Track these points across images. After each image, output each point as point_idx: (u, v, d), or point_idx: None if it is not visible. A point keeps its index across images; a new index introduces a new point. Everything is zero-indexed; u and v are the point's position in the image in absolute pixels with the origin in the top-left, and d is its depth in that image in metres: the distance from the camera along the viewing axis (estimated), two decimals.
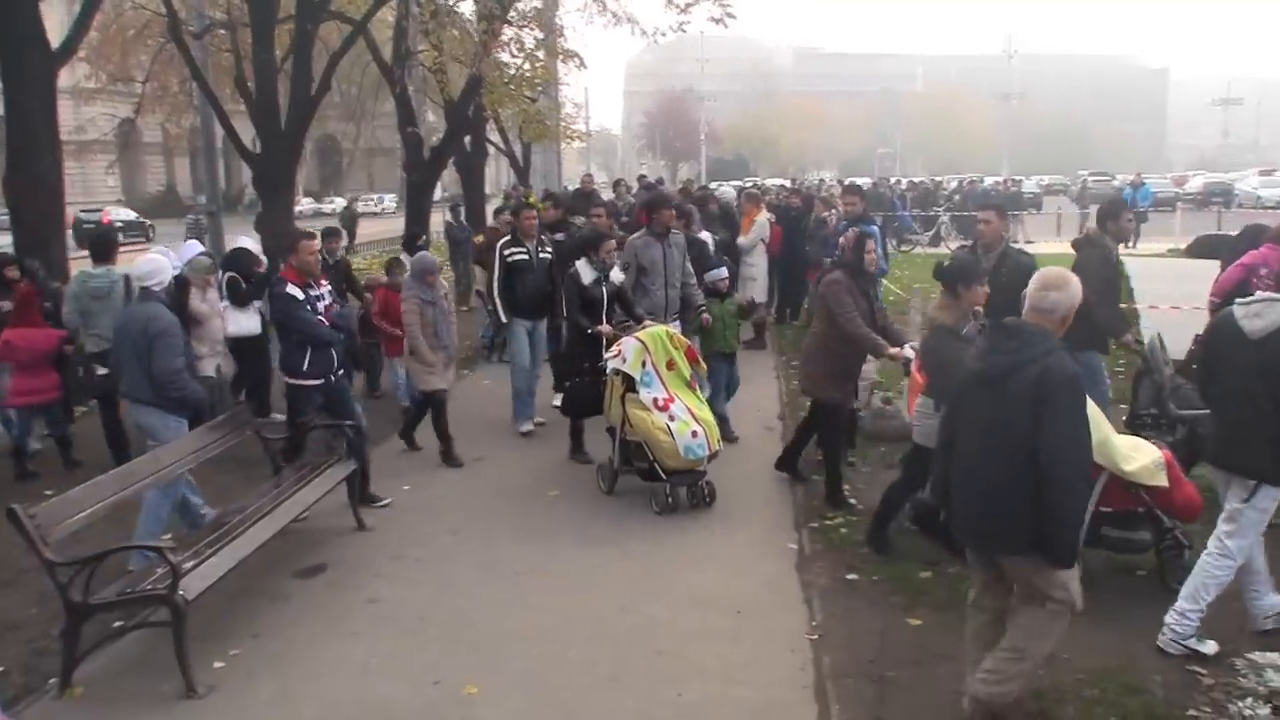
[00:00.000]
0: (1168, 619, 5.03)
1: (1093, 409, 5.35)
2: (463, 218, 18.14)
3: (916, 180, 38.45)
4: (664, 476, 7.21)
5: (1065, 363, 4.00)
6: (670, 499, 7.25)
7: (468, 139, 20.68)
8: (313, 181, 64.69)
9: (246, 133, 13.25)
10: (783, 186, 28.61)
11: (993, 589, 4.43)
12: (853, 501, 7.38)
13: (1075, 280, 4.28)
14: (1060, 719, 4.46)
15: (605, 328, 8.24)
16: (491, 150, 26.00)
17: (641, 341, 7.44)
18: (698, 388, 7.92)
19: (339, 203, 54.96)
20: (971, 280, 5.90)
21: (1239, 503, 4.98)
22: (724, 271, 9.14)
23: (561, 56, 19.90)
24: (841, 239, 7.53)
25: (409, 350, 8.60)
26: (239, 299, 9.25)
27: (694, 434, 7.15)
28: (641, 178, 25.33)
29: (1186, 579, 5.13)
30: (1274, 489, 4.93)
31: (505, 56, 17.96)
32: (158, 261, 6.87)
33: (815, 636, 5.35)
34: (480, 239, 13.21)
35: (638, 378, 7.33)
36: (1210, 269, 14.90)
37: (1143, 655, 5.02)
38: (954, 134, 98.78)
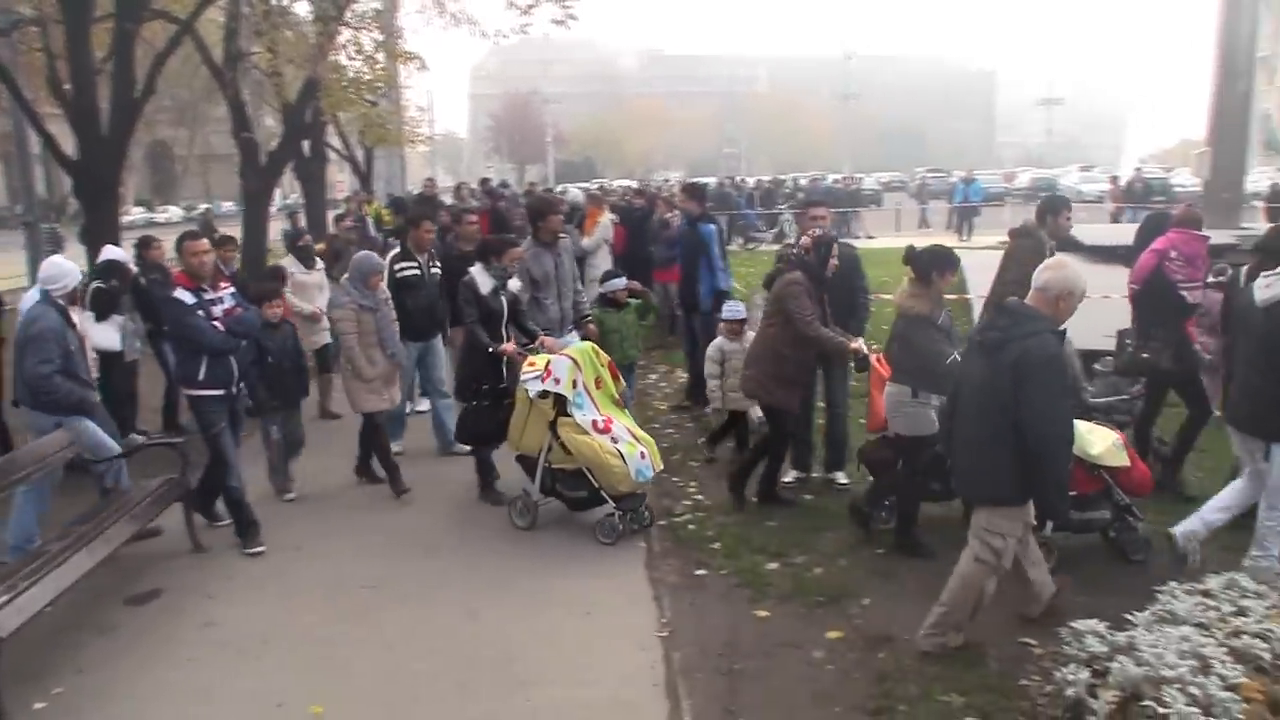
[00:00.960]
0: (1246, 562, 5.38)
1: None
2: (303, 225, 17.66)
3: (763, 179, 39.15)
4: (611, 502, 6.67)
5: (1047, 344, 4.52)
6: (620, 526, 6.68)
7: (307, 144, 20.12)
8: (144, 190, 61.98)
9: (66, 138, 12.56)
10: (629, 188, 28.77)
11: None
12: (790, 498, 7.37)
13: (1071, 265, 4.82)
14: (904, 698, 4.59)
15: (509, 346, 7.40)
16: (334, 156, 25.40)
17: (573, 359, 6.85)
18: (625, 405, 7.42)
19: (174, 211, 52.85)
20: (946, 267, 6.15)
21: (1262, 464, 5.50)
22: (623, 281, 8.85)
23: (401, 59, 19.53)
24: (803, 240, 7.11)
25: (344, 365, 7.79)
26: (101, 312, 8.70)
27: (642, 455, 6.70)
28: (484, 181, 25.13)
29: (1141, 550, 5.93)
30: None
31: (343, 59, 17.53)
32: (59, 266, 6.86)
33: (665, 633, 5.38)
34: (322, 247, 12.86)
35: (570, 399, 6.74)
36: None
37: (979, 630, 5.21)
38: (797, 133, 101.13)
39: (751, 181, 37.81)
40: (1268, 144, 74.89)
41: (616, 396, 7.16)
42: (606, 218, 13.21)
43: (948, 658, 4.91)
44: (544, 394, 6.69)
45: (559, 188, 38.49)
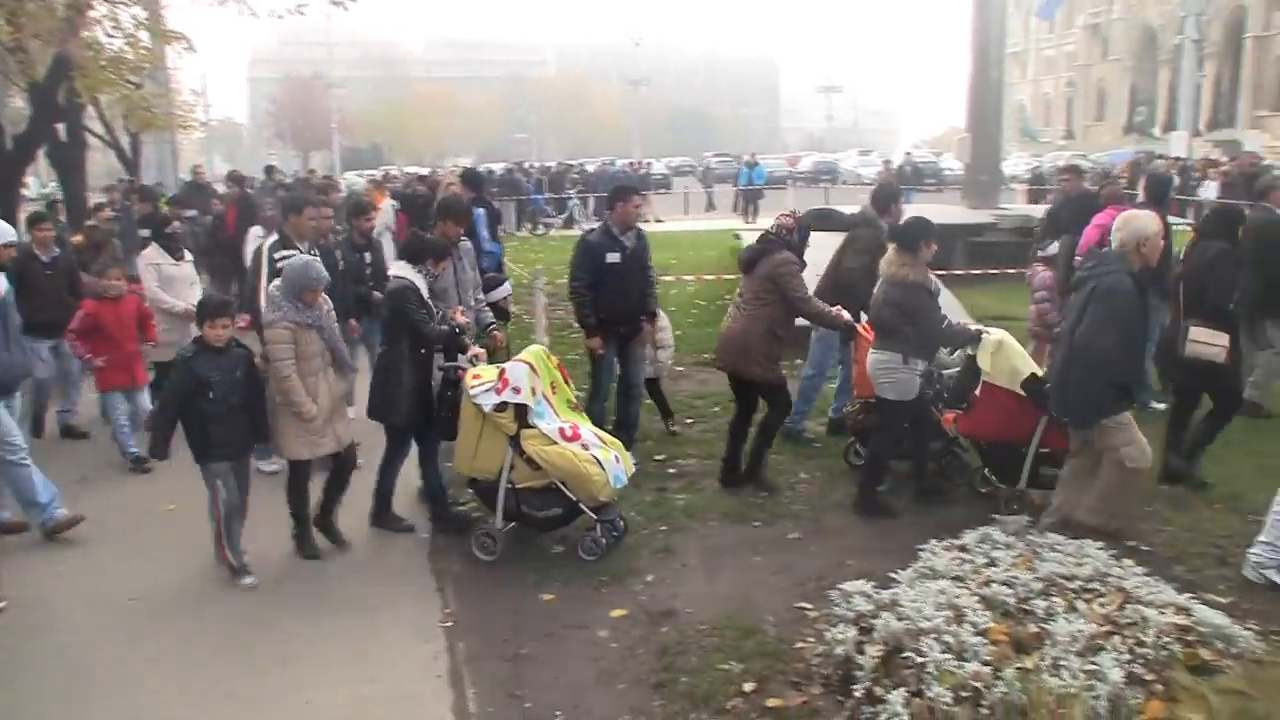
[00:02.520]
0: (1250, 554, 5.55)
1: (1031, 362, 6.52)
2: (62, 216, 16.46)
3: (549, 165, 39.14)
4: (592, 515, 6.04)
5: (1118, 280, 5.40)
6: (604, 540, 6.05)
7: (62, 128, 18.76)
8: None
9: None
10: (413, 175, 28.27)
11: (1079, 451, 5.86)
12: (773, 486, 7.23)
13: (1137, 216, 5.75)
14: (685, 669, 4.69)
15: (477, 350, 6.47)
16: (99, 142, 23.78)
17: (529, 364, 6.13)
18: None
19: None
20: (930, 237, 6.56)
21: None
22: (509, 287, 8.44)
23: (166, 38, 18.46)
24: (784, 220, 7.20)
25: (279, 398, 5.96)
26: None
27: (616, 459, 6.15)
28: (270, 169, 24.18)
29: None
30: None
31: (101, 36, 16.39)
32: None
33: (449, 624, 5.32)
34: (79, 239, 12.03)
35: (532, 408, 6.05)
36: (819, 238, 16.24)
37: (757, 599, 5.41)
38: (586, 119, 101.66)
39: (538, 167, 37.73)
40: (1023, 131, 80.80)
41: (573, 400, 6.59)
42: (388, 203, 12.92)
43: (727, 628, 5.04)
44: (501, 407, 5.95)
45: (349, 175, 37.38)
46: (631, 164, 40.80)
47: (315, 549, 6.26)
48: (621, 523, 6.23)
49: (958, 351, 6.97)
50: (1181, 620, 4.36)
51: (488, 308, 7.68)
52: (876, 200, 8.27)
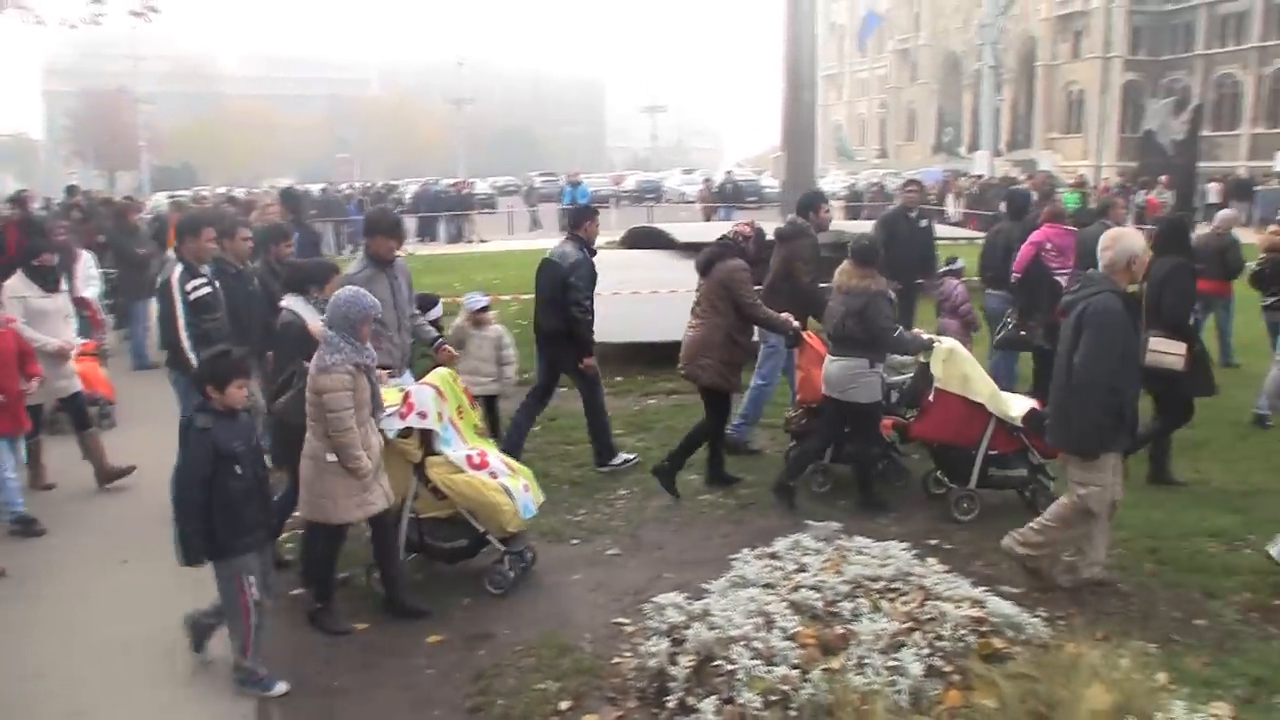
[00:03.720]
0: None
1: (980, 369, 6.92)
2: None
3: (369, 185, 38.42)
4: (500, 546, 5.78)
5: (1107, 301, 5.26)
6: (512, 573, 5.78)
7: None
8: None
9: None
10: (225, 195, 27.29)
11: None
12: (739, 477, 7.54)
13: (1125, 234, 5.64)
14: (501, 692, 4.64)
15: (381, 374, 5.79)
16: None
17: (436, 388, 5.81)
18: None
19: None
20: (878, 254, 7.04)
21: None
22: (441, 308, 8.23)
23: None
24: (742, 229, 7.50)
25: (333, 452, 5.08)
26: None
27: (525, 488, 5.88)
28: (71, 189, 22.91)
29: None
30: None
31: None
32: None
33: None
34: None
35: (438, 433, 5.72)
36: (641, 257, 16.44)
37: (575, 617, 5.41)
38: (411, 138, 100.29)
39: (358, 187, 36.99)
40: (840, 150, 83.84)
41: (479, 425, 6.32)
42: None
43: (543, 647, 5.02)
44: (405, 432, 5.60)
45: (162, 196, 35.79)
46: (455, 184, 40.42)
47: (346, 624, 5.44)
48: (530, 554, 6.00)
49: (909, 359, 7.40)
50: (976, 613, 4.56)
51: (429, 325, 7.35)
52: (801, 208, 8.57)
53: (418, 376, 6.51)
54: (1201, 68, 60.06)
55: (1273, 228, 8.74)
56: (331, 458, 5.06)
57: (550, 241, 27.88)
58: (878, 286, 6.89)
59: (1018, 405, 6.81)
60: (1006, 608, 4.63)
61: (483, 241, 28.77)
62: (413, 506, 5.76)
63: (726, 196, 30.88)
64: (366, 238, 6.81)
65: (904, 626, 4.42)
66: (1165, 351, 7.08)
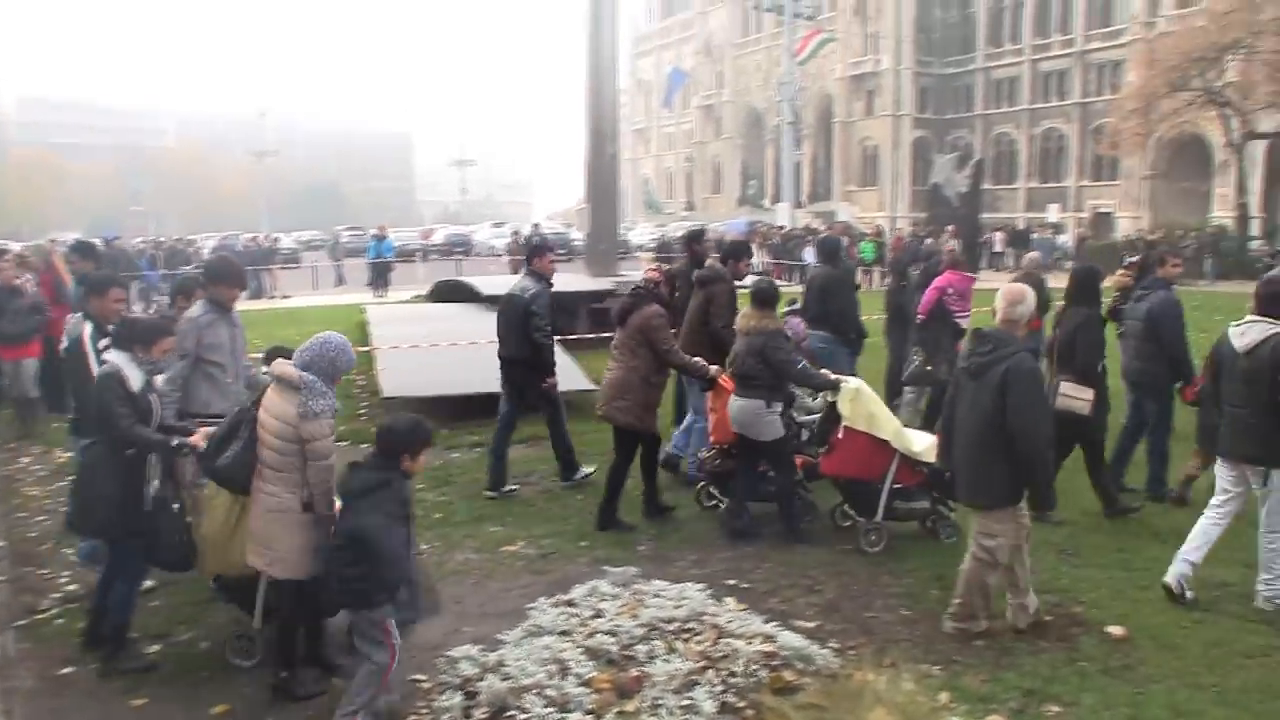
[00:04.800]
0: (1259, 588, 5.94)
1: (885, 407, 7.17)
2: None
3: (161, 239, 36.80)
4: None
5: (1026, 360, 5.35)
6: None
7: None
8: None
9: None
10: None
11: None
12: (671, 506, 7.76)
13: (1031, 294, 5.69)
14: None
15: (197, 438, 5.39)
16: None
17: None
18: None
19: None
20: (779, 297, 7.50)
21: (1231, 485, 6.10)
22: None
23: None
24: (657, 274, 7.91)
25: (314, 498, 4.84)
26: None
27: None
28: None
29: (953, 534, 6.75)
30: None
31: None
32: None
33: None
34: None
35: None
36: (448, 310, 16.30)
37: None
38: (210, 191, 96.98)
39: (150, 241, 35.33)
40: (648, 203, 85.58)
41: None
42: None
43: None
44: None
45: None
46: (254, 238, 39.20)
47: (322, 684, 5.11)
48: None
49: (819, 399, 7.71)
50: (768, 648, 4.68)
51: (264, 375, 6.85)
52: (725, 256, 9.04)
53: None
54: (981, 127, 64.30)
55: (1121, 271, 9.51)
56: (298, 507, 4.84)
57: (357, 297, 27.37)
58: (775, 326, 7.25)
59: (920, 441, 7.08)
60: (797, 641, 4.76)
61: (285, 297, 27.94)
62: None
63: None
64: (210, 284, 6.61)
65: (698, 665, 4.49)
66: (1075, 396, 7.44)
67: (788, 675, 4.54)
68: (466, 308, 15.92)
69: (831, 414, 7.25)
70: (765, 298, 7.37)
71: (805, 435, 7.79)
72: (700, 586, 5.39)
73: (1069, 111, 58.99)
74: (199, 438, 5.33)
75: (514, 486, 8.51)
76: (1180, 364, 7.82)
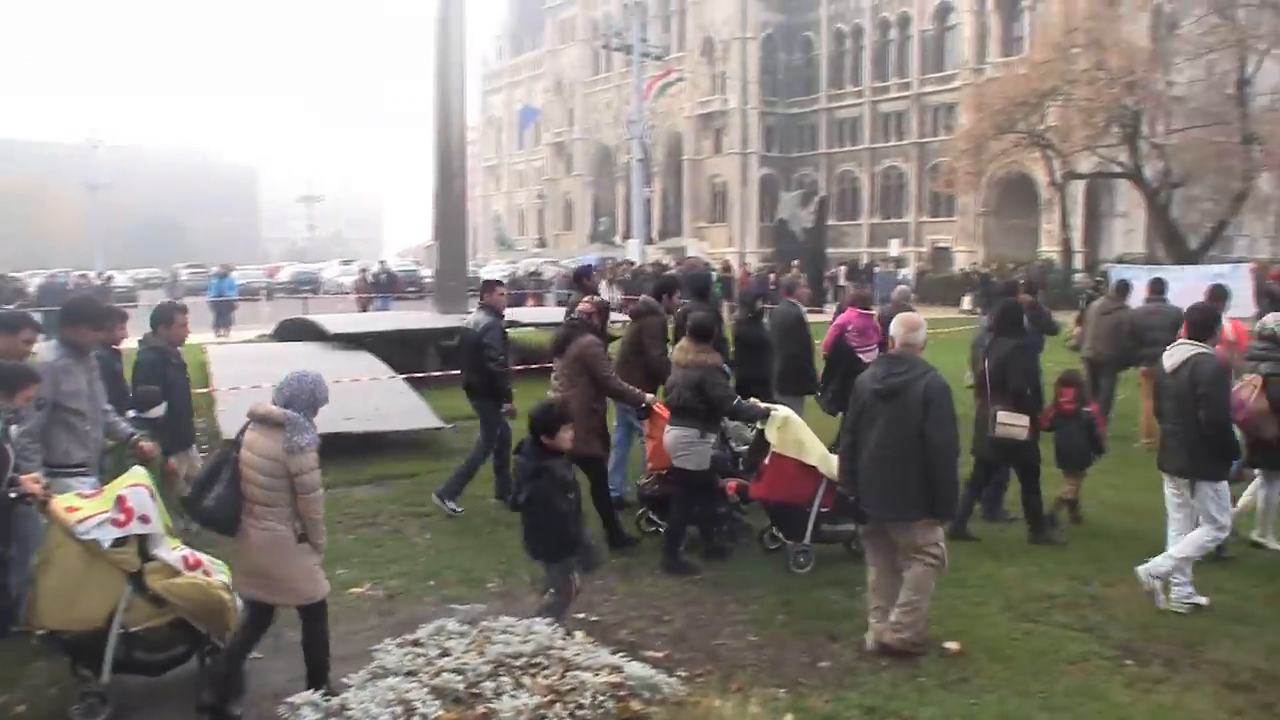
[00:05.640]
0: (1155, 560, 6.46)
1: (812, 434, 7.42)
2: None
3: None
4: (221, 646, 5.36)
5: (939, 378, 5.72)
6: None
7: None
8: None
9: None
10: None
11: (881, 549, 5.98)
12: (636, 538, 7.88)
13: (918, 319, 6.11)
14: None
15: (33, 486, 5.21)
16: None
17: (148, 487, 5.28)
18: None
19: None
20: (716, 329, 7.79)
21: (1178, 497, 6.63)
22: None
23: None
24: (590, 306, 8.42)
25: (306, 528, 5.14)
26: None
27: (231, 587, 5.45)
28: None
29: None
30: (1207, 482, 6.45)
31: None
32: None
33: None
34: None
35: (155, 536, 5.23)
36: (293, 349, 15.90)
37: None
38: (37, 225, 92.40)
39: None
40: (499, 240, 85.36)
41: (170, 524, 5.64)
42: None
43: None
44: (121, 541, 5.05)
45: None
46: (84, 276, 37.44)
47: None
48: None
49: (752, 428, 7.82)
50: (615, 679, 4.69)
51: (123, 421, 6.67)
52: (656, 291, 9.39)
53: (111, 475, 5.92)
54: (826, 164, 66.42)
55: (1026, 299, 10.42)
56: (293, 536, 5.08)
57: (199, 337, 26.41)
58: (713, 360, 7.42)
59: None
60: (643, 671, 4.78)
61: (124, 337, 26.74)
62: (124, 620, 5.13)
63: (383, 287, 30.50)
64: (66, 325, 6.30)
65: (545, 699, 4.47)
66: (1012, 424, 7.78)
67: (635, 705, 4.56)
68: (313, 347, 15.53)
69: (760, 442, 7.50)
70: (702, 332, 7.51)
71: (742, 465, 7.98)
72: (548, 621, 5.37)
73: (908, 151, 61.48)
74: (30, 481, 5.16)
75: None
76: (1035, 391, 8.25)
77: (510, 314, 20.40)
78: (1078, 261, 39.80)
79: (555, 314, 15.87)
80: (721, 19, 67.05)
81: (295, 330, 18.19)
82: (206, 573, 5.42)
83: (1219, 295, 10.27)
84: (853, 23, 64.81)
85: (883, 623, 5.83)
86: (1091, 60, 32.02)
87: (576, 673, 4.69)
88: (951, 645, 5.79)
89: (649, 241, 47.70)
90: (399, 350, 14.29)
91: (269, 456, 4.99)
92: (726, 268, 34.20)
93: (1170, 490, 6.74)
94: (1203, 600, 6.42)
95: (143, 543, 5.21)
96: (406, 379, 12.59)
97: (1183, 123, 33.20)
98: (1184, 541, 6.50)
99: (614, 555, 7.49)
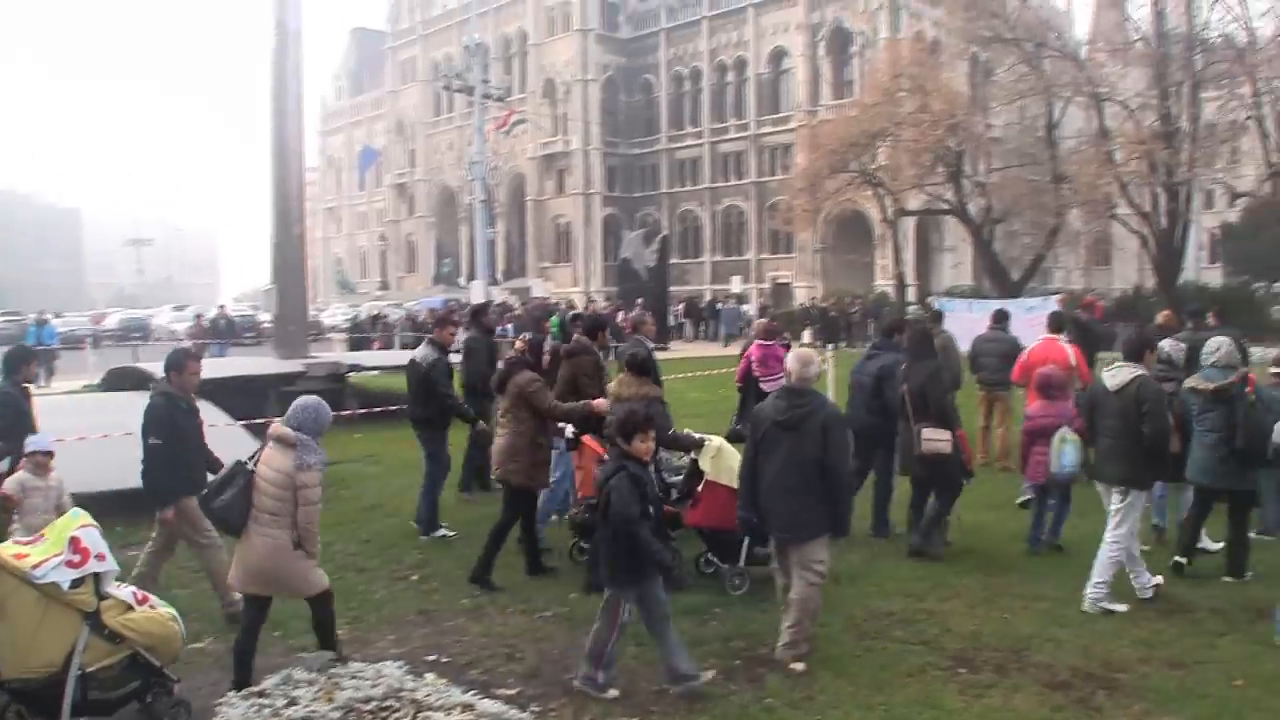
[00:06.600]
0: (1088, 590, 7.01)
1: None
2: None
3: None
4: (173, 678, 5.40)
5: (836, 410, 6.46)
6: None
7: None
8: None
9: None
10: None
11: (788, 569, 6.25)
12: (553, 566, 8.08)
13: (815, 356, 6.66)
14: None
15: None
16: None
17: (96, 526, 5.35)
18: None
19: None
20: (652, 366, 8.24)
21: (1119, 504, 7.09)
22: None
23: None
24: (524, 344, 8.97)
25: (301, 537, 5.66)
26: None
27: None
28: None
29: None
30: (1140, 491, 7.16)
31: None
32: None
33: None
34: None
35: (107, 574, 5.25)
36: (122, 399, 15.24)
37: None
38: None
39: None
40: (340, 283, 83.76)
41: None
42: None
43: None
44: (78, 581, 5.05)
45: None
46: None
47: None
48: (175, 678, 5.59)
49: (685, 457, 8.12)
50: (467, 717, 4.69)
51: None
52: (588, 330, 9.74)
53: None
54: (667, 204, 67.70)
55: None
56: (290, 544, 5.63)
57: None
58: (654, 393, 7.77)
59: None
60: (495, 707, 4.82)
61: None
62: (82, 661, 5.06)
63: (220, 333, 29.56)
64: None
65: None
66: (936, 439, 8.19)
67: None
68: (143, 396, 14.90)
69: (694, 469, 7.73)
70: (641, 367, 7.92)
71: (674, 494, 8.08)
72: (398, 664, 5.33)
73: (747, 190, 63.20)
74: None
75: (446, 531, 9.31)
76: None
77: (354, 358, 20.27)
78: (911, 294, 41.49)
79: (401, 357, 15.65)
80: (563, 61, 67.83)
81: (125, 379, 17.42)
82: (153, 606, 5.49)
83: (1056, 323, 11.38)
84: (691, 66, 66.50)
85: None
86: (916, 104, 33.65)
87: (428, 714, 4.69)
88: (797, 666, 5.97)
89: (493, 282, 47.49)
90: (238, 397, 13.87)
91: (280, 471, 5.61)
92: (570, 307, 34.40)
93: (1110, 500, 7.29)
94: (1153, 582, 7.26)
95: (97, 581, 5.23)
96: (246, 426, 12.23)
97: (1001, 163, 35.31)
98: (1099, 563, 7.09)
99: (470, 595, 7.50)
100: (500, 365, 9.06)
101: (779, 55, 62.15)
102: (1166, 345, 8.37)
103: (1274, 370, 8.70)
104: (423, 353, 9.71)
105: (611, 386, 8.19)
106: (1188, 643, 6.37)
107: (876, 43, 53.73)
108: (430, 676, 5.35)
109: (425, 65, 77.76)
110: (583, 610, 7.09)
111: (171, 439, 6.99)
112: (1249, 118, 27.13)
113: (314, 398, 6.05)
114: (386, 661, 5.37)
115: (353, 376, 17.93)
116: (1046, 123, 32.13)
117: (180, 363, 7.37)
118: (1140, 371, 7.16)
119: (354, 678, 5.15)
